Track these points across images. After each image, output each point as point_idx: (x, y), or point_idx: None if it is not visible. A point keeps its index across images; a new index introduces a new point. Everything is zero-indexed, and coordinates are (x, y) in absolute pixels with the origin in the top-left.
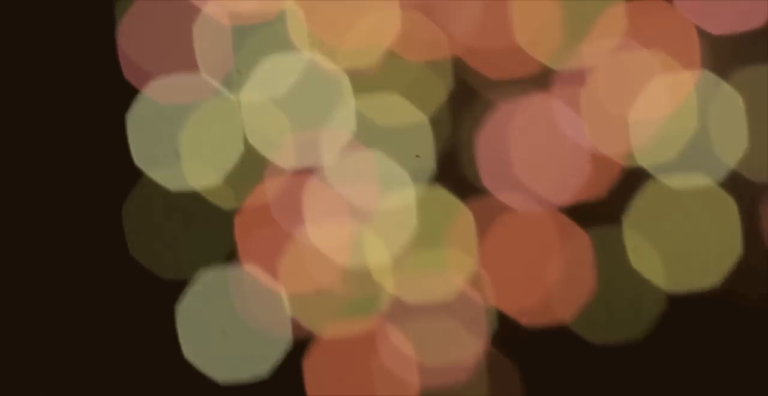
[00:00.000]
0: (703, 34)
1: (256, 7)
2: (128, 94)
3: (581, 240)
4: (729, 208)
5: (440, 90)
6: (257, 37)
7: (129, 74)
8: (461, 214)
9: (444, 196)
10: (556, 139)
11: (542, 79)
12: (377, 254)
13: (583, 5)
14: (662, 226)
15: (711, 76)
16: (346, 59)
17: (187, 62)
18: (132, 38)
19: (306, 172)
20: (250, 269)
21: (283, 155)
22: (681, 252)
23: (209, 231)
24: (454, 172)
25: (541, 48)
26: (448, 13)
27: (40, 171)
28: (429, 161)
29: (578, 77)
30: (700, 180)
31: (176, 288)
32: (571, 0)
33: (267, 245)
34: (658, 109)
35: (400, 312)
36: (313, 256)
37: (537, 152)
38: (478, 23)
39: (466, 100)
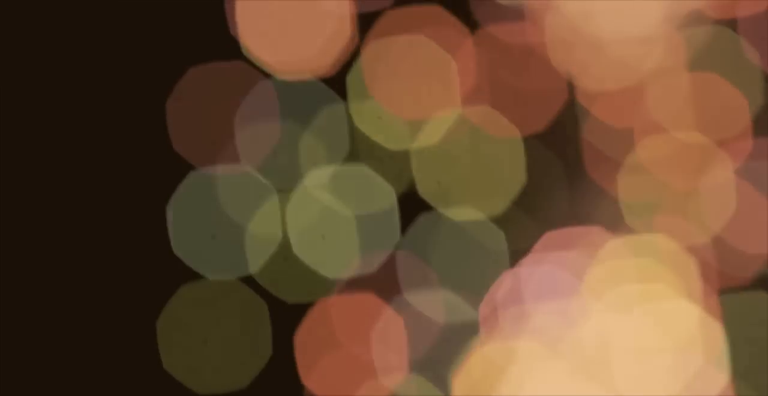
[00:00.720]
0: None
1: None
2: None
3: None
4: None
5: (517, 178)
6: (312, 114)
7: (179, 147)
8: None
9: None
10: None
11: None
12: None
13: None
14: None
15: None
16: (409, 135)
17: (231, 147)
18: (180, 115)
19: (358, 284)
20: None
21: (327, 260)
22: None
23: (248, 335)
24: None
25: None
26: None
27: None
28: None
29: None
30: None
31: None
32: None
33: (328, 368)
34: None
35: None
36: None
37: None
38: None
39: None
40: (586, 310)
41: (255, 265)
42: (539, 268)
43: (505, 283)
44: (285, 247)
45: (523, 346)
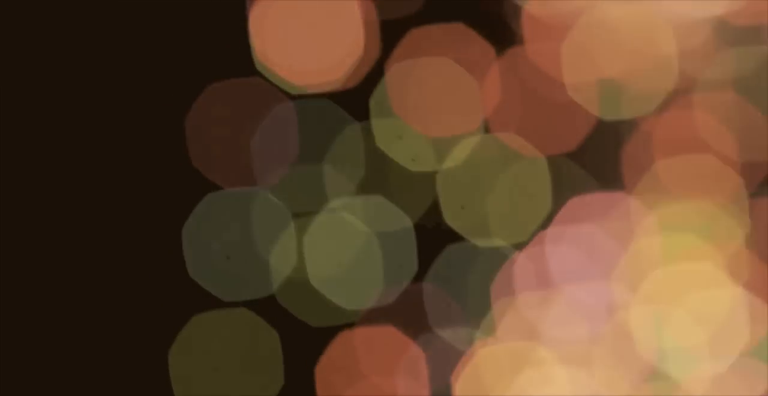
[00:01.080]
0: None
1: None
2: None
3: None
4: None
5: (545, 203)
6: (332, 135)
7: (197, 162)
8: None
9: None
10: None
11: None
12: None
13: None
14: None
15: None
16: (433, 156)
17: (247, 168)
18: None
19: (383, 316)
20: None
21: (343, 289)
22: None
23: (259, 364)
24: None
25: None
26: None
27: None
28: None
29: None
30: None
31: None
32: None
33: None
34: None
35: None
36: None
37: None
38: None
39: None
40: (617, 299)
41: (270, 288)
42: (560, 247)
43: (520, 265)
44: (301, 271)
45: (540, 348)
